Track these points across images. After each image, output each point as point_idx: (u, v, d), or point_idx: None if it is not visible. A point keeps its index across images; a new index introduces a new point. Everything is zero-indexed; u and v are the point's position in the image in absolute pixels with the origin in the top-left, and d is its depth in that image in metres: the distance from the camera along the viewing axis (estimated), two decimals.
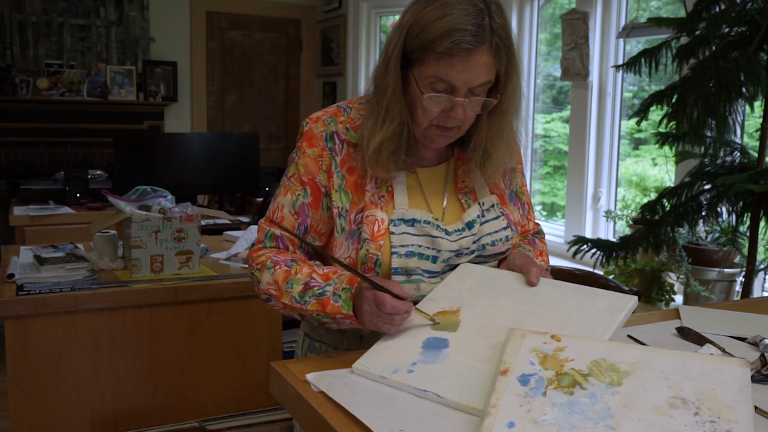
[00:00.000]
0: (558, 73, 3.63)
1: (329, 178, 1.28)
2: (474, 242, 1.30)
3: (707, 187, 2.30)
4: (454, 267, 1.29)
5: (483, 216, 1.32)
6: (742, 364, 0.94)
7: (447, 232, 1.27)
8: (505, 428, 0.89)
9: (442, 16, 1.13)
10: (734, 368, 0.94)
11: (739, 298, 2.50)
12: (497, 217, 1.33)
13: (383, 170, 1.24)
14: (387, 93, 1.20)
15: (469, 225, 1.30)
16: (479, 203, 1.32)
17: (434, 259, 1.26)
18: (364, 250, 1.23)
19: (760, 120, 2.19)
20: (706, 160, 2.36)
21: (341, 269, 1.23)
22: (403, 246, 1.24)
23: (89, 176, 3.93)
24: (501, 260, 1.36)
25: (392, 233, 1.24)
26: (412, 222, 1.25)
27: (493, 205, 1.33)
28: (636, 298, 1.16)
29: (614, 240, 2.57)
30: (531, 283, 1.22)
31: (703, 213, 2.30)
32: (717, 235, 2.66)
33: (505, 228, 1.33)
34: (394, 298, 1.12)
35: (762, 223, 2.23)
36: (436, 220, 1.27)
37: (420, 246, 1.25)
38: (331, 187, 1.29)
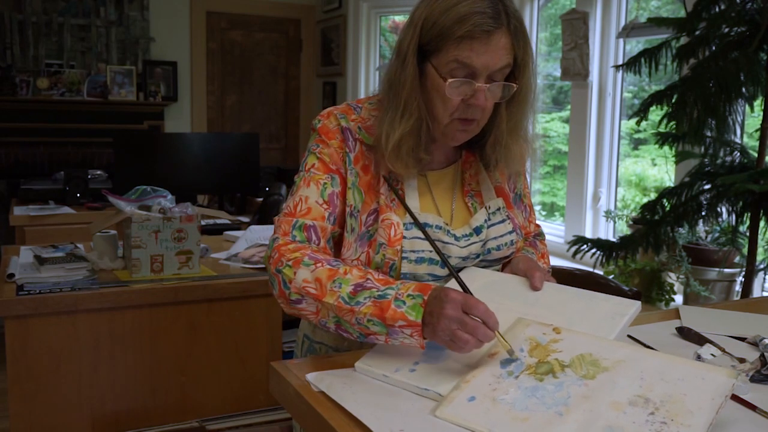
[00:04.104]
0: (558, 73, 3.63)
1: (346, 172, 1.26)
2: (481, 247, 1.30)
3: (707, 187, 2.30)
4: (458, 271, 1.29)
5: (489, 220, 1.31)
6: (730, 375, 0.91)
7: (456, 238, 1.27)
8: (465, 401, 0.93)
9: (457, 3, 1.14)
10: (718, 377, 0.91)
11: (739, 298, 2.50)
12: (503, 221, 1.32)
13: (403, 166, 1.22)
14: (405, 87, 1.19)
15: (477, 230, 1.29)
16: (486, 207, 1.31)
17: (443, 265, 1.24)
18: (380, 255, 1.21)
19: (760, 120, 2.19)
20: (706, 160, 2.36)
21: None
22: (413, 251, 1.22)
23: (89, 176, 3.93)
24: (505, 264, 1.35)
25: (404, 237, 1.22)
26: (424, 227, 1.24)
27: (499, 209, 1.33)
28: (639, 303, 1.16)
29: (614, 240, 2.57)
30: (535, 288, 1.22)
31: (703, 213, 2.30)
32: (717, 235, 2.66)
33: (510, 232, 1.33)
34: (488, 307, 1.02)
35: (762, 223, 2.23)
36: (446, 225, 1.26)
37: (431, 251, 1.23)
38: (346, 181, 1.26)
